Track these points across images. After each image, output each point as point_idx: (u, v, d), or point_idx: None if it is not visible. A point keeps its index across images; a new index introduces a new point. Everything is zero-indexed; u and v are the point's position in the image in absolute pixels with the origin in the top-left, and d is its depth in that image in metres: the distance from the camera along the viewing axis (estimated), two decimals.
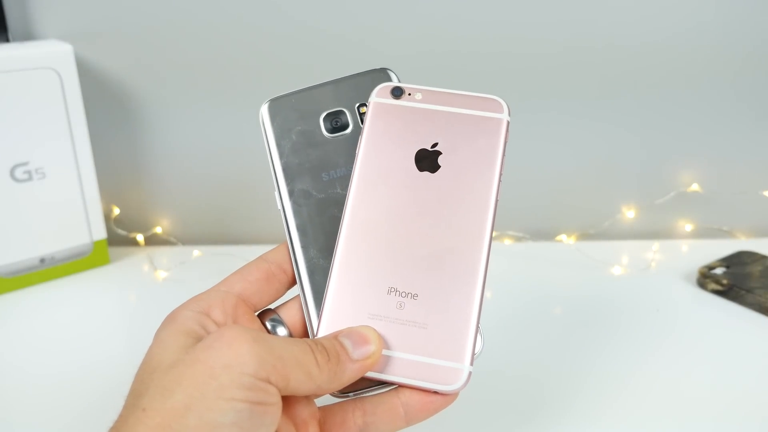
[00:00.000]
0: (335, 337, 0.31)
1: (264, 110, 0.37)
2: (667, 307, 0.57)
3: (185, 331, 0.30)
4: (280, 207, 0.36)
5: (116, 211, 0.70)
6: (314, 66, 0.64)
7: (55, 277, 0.63)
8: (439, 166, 0.35)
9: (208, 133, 0.67)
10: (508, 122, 0.35)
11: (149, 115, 0.66)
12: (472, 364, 0.32)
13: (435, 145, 0.35)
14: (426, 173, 0.35)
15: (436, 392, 0.32)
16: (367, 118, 0.36)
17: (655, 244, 0.68)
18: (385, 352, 0.32)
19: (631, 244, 0.68)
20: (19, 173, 0.58)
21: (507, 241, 0.69)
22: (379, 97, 0.36)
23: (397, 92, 0.36)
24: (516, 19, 0.62)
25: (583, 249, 0.66)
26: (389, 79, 0.37)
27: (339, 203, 0.35)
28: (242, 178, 0.69)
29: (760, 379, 0.48)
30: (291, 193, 0.36)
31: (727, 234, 0.71)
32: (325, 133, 0.37)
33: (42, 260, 0.62)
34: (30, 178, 0.59)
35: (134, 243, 0.70)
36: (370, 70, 0.38)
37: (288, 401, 0.30)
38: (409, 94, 0.36)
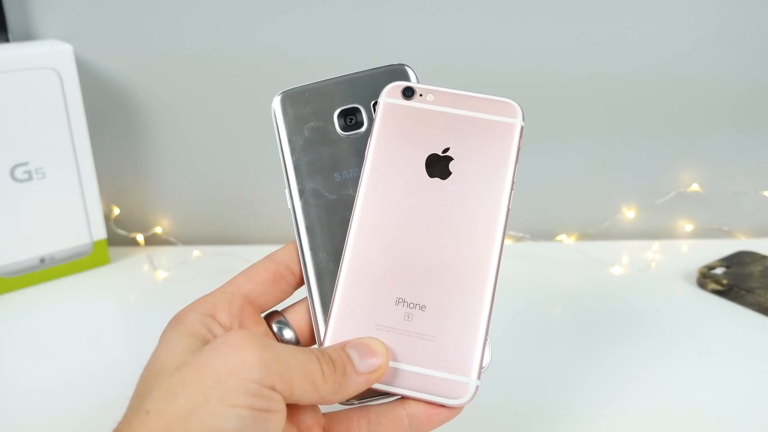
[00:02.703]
0: (342, 348, 0.31)
1: (276, 103, 0.35)
2: (667, 307, 0.57)
3: (191, 334, 0.30)
4: (290, 206, 0.35)
5: (116, 211, 0.70)
6: (317, 66, 0.63)
7: (55, 277, 0.62)
8: (450, 173, 0.34)
9: (208, 133, 0.67)
10: (522, 127, 0.34)
11: (149, 115, 0.66)
12: (479, 378, 0.32)
13: (446, 150, 0.34)
14: (437, 179, 0.34)
15: (442, 405, 0.31)
16: (377, 120, 0.34)
17: (655, 244, 0.68)
18: (391, 363, 0.32)
19: (631, 244, 0.68)
20: (19, 173, 0.58)
21: (507, 241, 0.69)
22: (389, 97, 0.35)
23: (409, 93, 0.35)
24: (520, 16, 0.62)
25: (583, 249, 0.66)
26: (407, 76, 0.36)
27: (351, 206, 0.34)
28: (242, 178, 0.69)
29: (760, 379, 0.48)
30: (302, 193, 0.35)
31: (727, 234, 0.71)
32: (338, 130, 0.36)
33: (42, 260, 0.62)
34: (30, 178, 0.59)
35: (134, 243, 0.70)
36: (387, 65, 0.36)
37: (293, 407, 0.30)
38: (421, 95, 0.35)
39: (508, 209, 0.34)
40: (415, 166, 0.34)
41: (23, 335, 0.55)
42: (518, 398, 0.46)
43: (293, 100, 0.36)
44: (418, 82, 0.36)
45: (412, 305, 0.32)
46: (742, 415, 0.44)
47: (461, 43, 0.63)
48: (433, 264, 0.33)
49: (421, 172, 0.34)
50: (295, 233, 0.35)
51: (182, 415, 0.26)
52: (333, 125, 0.36)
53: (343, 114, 0.36)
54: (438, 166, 0.34)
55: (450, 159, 0.34)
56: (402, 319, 0.32)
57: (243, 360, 0.27)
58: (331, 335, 0.32)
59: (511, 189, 0.34)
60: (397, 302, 0.32)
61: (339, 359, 0.30)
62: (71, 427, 0.44)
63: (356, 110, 0.36)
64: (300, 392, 0.28)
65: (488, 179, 0.34)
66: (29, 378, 0.49)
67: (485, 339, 0.32)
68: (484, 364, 0.32)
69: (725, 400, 0.46)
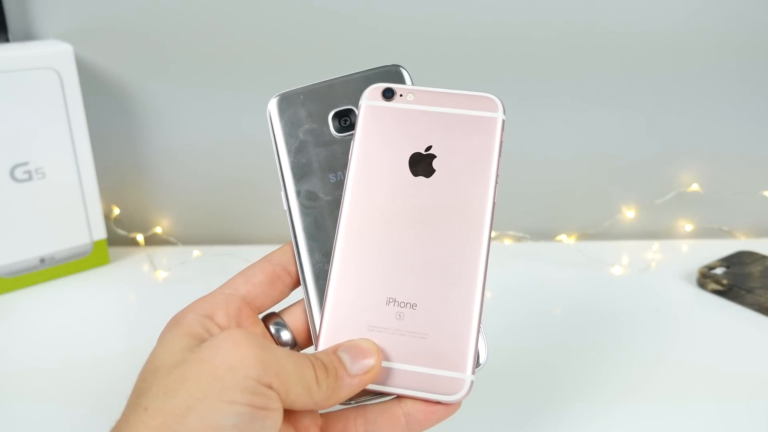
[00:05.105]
0: (334, 351, 0.31)
1: (272, 106, 0.36)
2: (667, 307, 0.57)
3: (189, 334, 0.30)
4: (286, 208, 0.35)
5: (116, 211, 0.70)
6: (316, 63, 0.64)
7: (55, 277, 0.63)
8: (434, 170, 0.34)
9: (208, 132, 0.67)
10: (503, 121, 0.34)
11: (149, 114, 0.66)
12: (474, 373, 0.32)
13: (429, 148, 0.34)
14: (421, 178, 0.34)
15: (438, 402, 0.31)
16: (359, 123, 0.35)
17: (655, 244, 0.68)
18: (385, 363, 0.32)
19: (631, 244, 0.68)
20: (19, 173, 0.58)
21: (507, 241, 0.69)
22: (369, 99, 0.35)
23: (389, 94, 0.35)
24: (513, 17, 0.62)
25: (583, 249, 0.66)
26: (401, 77, 0.36)
27: None
28: (242, 177, 0.69)
29: (760, 379, 0.48)
30: (297, 194, 0.35)
31: (727, 234, 0.71)
32: (333, 132, 0.36)
33: (42, 260, 0.62)
34: (30, 178, 0.59)
35: (134, 243, 0.70)
36: (381, 66, 0.37)
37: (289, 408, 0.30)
38: (401, 95, 0.35)
39: (494, 203, 0.34)
40: (399, 165, 0.34)
41: (23, 335, 0.55)
42: (518, 398, 0.46)
43: (289, 102, 0.36)
44: (413, 83, 0.36)
45: (402, 304, 0.32)
46: (741, 415, 0.44)
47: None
48: (421, 262, 0.33)
49: (405, 171, 0.34)
50: (291, 235, 0.35)
51: (180, 412, 0.26)
52: (328, 127, 0.36)
53: (338, 116, 0.36)
54: (421, 164, 0.34)
55: (433, 157, 0.34)
56: (393, 319, 0.32)
57: (241, 356, 0.27)
58: (323, 339, 0.32)
59: (496, 183, 0.34)
60: (388, 302, 0.33)
61: (331, 363, 0.30)
62: (71, 426, 0.44)
63: (350, 111, 0.36)
64: (294, 395, 0.28)
65: (472, 174, 0.34)
66: (29, 378, 0.49)
67: (477, 334, 0.32)
68: (481, 361, 0.33)
69: (725, 400, 0.46)
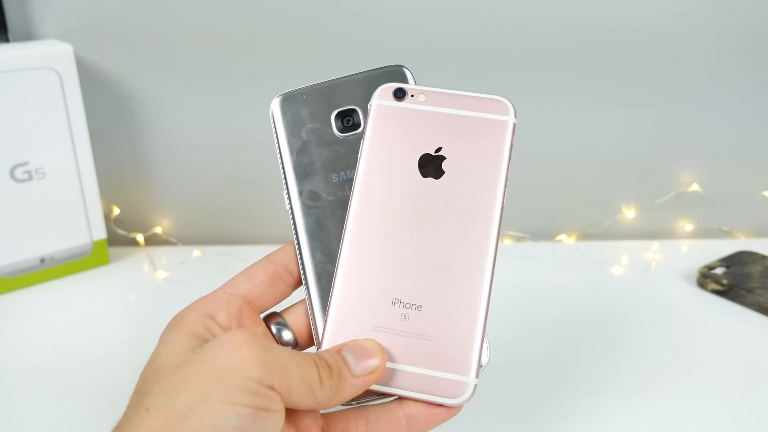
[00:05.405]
0: (338, 351, 0.31)
1: (275, 105, 0.36)
2: (667, 307, 0.57)
3: (191, 333, 0.30)
4: (288, 208, 0.35)
5: (116, 211, 0.70)
6: (318, 61, 0.64)
7: (55, 277, 0.62)
8: (443, 172, 0.34)
9: (209, 132, 0.67)
10: (515, 124, 0.34)
11: (149, 114, 0.66)
12: (477, 376, 0.31)
13: (439, 149, 0.34)
14: (430, 179, 0.34)
15: (440, 405, 0.31)
16: (369, 122, 0.35)
17: (655, 244, 0.68)
18: (389, 364, 0.31)
19: (631, 244, 0.68)
20: (19, 173, 0.58)
21: (507, 241, 0.69)
22: (381, 99, 0.35)
23: (400, 94, 0.35)
24: (512, 12, 0.62)
25: (583, 249, 0.66)
26: (404, 77, 0.36)
27: (348, 207, 0.34)
28: (242, 177, 0.69)
29: (759, 379, 0.48)
30: (300, 194, 0.35)
31: (727, 234, 0.71)
32: (336, 132, 0.36)
33: (42, 260, 0.62)
34: (30, 178, 0.59)
35: (134, 243, 0.70)
36: (385, 66, 0.37)
37: (291, 408, 0.30)
38: (412, 96, 0.35)
39: (503, 207, 0.33)
40: (408, 166, 0.34)
41: (23, 335, 0.55)
42: (518, 398, 0.46)
43: (291, 102, 0.36)
44: (415, 83, 0.36)
45: (408, 305, 0.32)
46: (742, 414, 0.44)
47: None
48: (428, 264, 0.33)
49: (414, 172, 0.34)
50: (293, 234, 0.35)
51: (182, 413, 0.26)
52: (330, 127, 0.36)
53: (340, 115, 0.36)
54: (431, 165, 0.34)
55: (443, 158, 0.34)
56: (399, 320, 0.32)
57: (243, 357, 0.27)
58: (328, 338, 0.32)
59: (505, 186, 0.34)
60: (394, 303, 0.32)
61: (335, 363, 0.30)
62: (71, 425, 0.44)
63: (353, 111, 0.36)
64: (297, 395, 0.28)
65: (481, 177, 0.34)
66: (30, 378, 0.49)
67: (483, 337, 0.32)
68: (482, 363, 0.32)
69: (725, 400, 0.46)
